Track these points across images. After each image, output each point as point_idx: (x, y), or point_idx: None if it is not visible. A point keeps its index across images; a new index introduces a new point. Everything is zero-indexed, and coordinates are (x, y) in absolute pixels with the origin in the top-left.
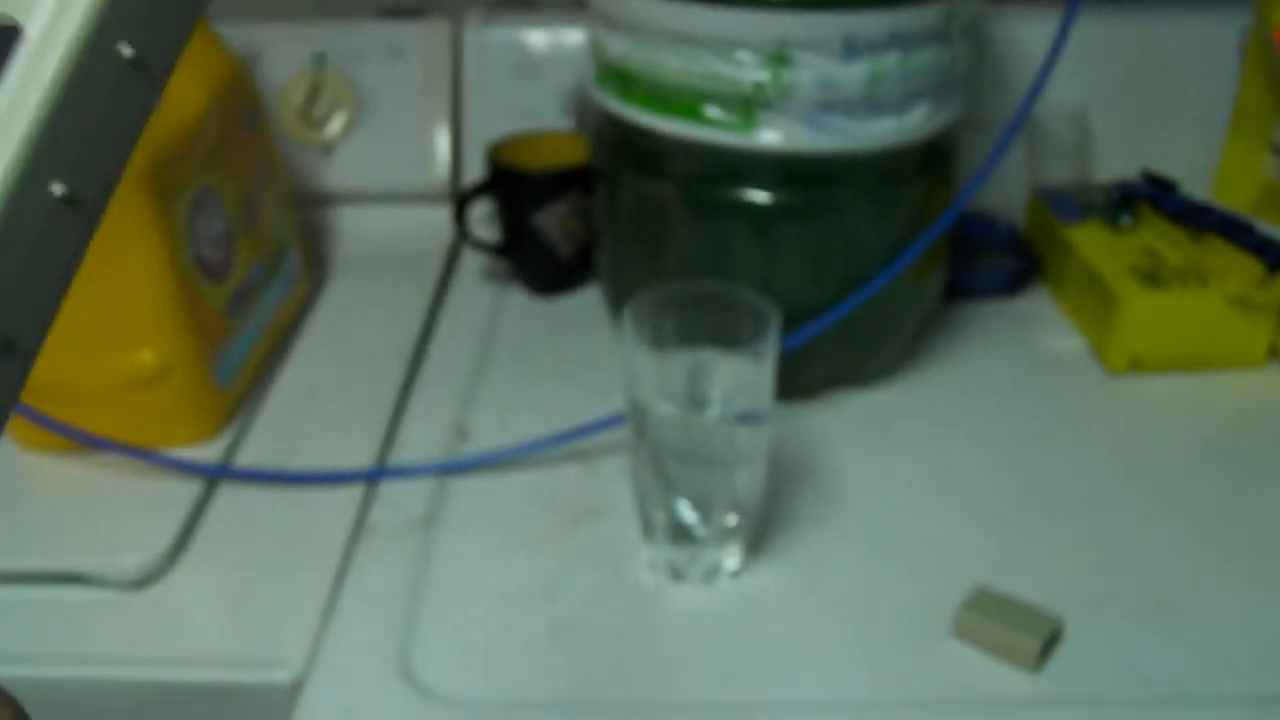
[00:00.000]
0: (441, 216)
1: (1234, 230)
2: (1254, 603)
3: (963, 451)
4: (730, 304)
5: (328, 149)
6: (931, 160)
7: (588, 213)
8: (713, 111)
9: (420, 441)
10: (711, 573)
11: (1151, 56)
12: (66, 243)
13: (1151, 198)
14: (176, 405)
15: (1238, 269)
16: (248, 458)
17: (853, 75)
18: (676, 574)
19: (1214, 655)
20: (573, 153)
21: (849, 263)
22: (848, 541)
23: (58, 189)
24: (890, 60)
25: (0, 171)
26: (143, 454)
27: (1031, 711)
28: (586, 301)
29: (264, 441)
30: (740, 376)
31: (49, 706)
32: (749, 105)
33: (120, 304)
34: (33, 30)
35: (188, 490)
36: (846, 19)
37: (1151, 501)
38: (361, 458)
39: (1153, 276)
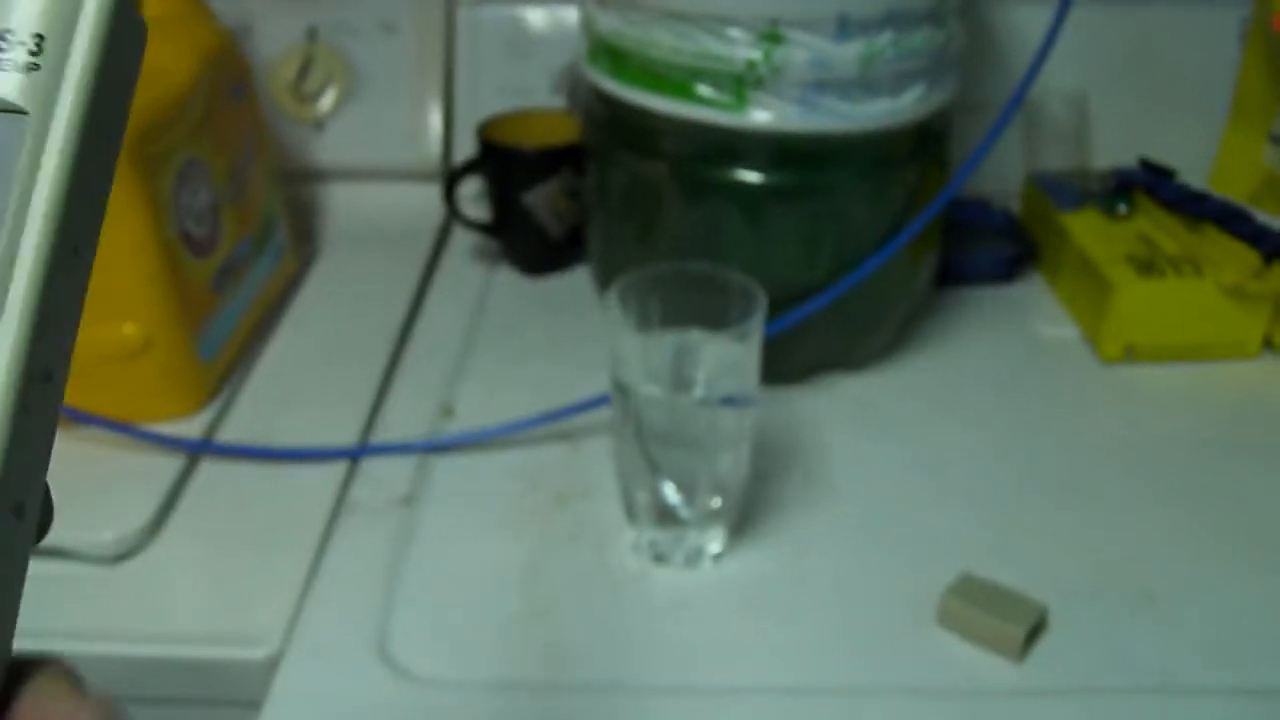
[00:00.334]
0: (432, 194)
1: (1231, 219)
2: (1244, 592)
3: (952, 438)
4: (718, 285)
5: (319, 124)
6: (925, 142)
7: (578, 192)
8: (704, 90)
9: (404, 419)
10: (695, 556)
11: (1151, 42)
12: (50, 406)
13: (1148, 185)
14: (159, 379)
15: (1234, 258)
16: (230, 433)
17: (846, 55)
18: (659, 556)
19: (1203, 645)
20: (564, 131)
21: (841, 245)
22: (833, 526)
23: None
24: (884, 40)
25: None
26: (124, 428)
27: (1015, 701)
28: (576, 281)
29: (247, 417)
30: (726, 358)
31: None
32: (741, 84)
33: (103, 277)
34: None
35: (169, 465)
36: None
37: (1142, 490)
38: (345, 435)
39: (1148, 265)
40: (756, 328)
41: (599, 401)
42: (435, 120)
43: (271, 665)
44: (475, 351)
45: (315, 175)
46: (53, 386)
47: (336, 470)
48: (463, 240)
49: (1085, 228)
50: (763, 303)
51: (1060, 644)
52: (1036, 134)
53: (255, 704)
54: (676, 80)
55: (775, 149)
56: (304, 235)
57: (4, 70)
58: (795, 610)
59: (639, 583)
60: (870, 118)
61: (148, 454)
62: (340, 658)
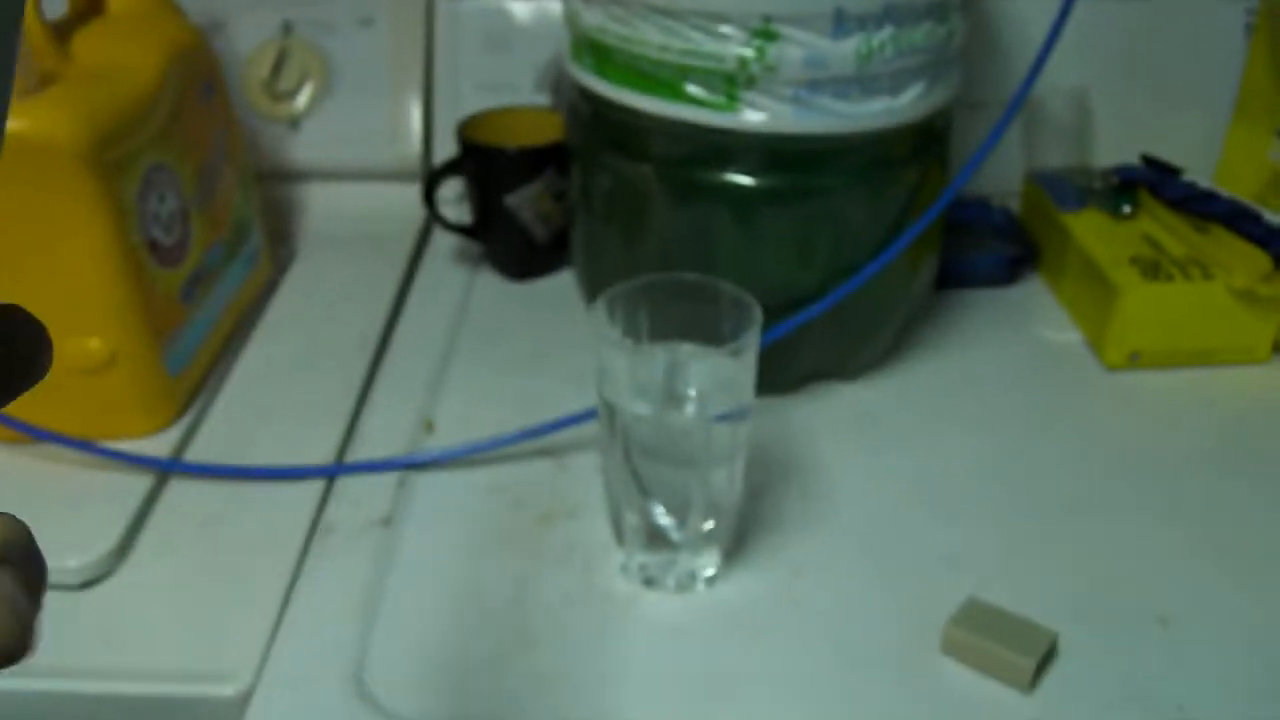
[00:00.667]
0: (412, 194)
1: (1240, 220)
2: (1258, 616)
3: (954, 450)
4: (710, 296)
5: (294, 122)
6: (925, 142)
7: (564, 193)
8: (694, 89)
9: (383, 434)
10: (687, 580)
11: (1153, 36)
12: None
13: (1153, 184)
14: (125, 395)
15: (1243, 260)
16: (201, 450)
17: (843, 52)
18: (650, 580)
19: (1218, 674)
20: (549, 130)
21: (837, 250)
22: (832, 546)
23: None
24: (883, 36)
25: None
26: (89, 446)
27: None
28: (562, 286)
29: (219, 433)
30: (719, 372)
31: None
32: (732, 83)
33: (65, 289)
34: None
35: (137, 484)
36: None
37: (1150, 504)
38: (321, 451)
39: (1154, 267)
40: (752, 343)
41: (585, 416)
42: (415, 118)
43: (242, 701)
44: (457, 361)
45: (291, 175)
46: None
47: (312, 490)
48: (444, 242)
49: (1088, 228)
50: (757, 316)
51: (1071, 674)
52: (1036, 131)
53: None
54: (664, 79)
55: (768, 150)
56: (280, 238)
57: None
58: (792, 638)
59: (629, 608)
60: (868, 117)
61: (114, 473)
62: (314, 693)
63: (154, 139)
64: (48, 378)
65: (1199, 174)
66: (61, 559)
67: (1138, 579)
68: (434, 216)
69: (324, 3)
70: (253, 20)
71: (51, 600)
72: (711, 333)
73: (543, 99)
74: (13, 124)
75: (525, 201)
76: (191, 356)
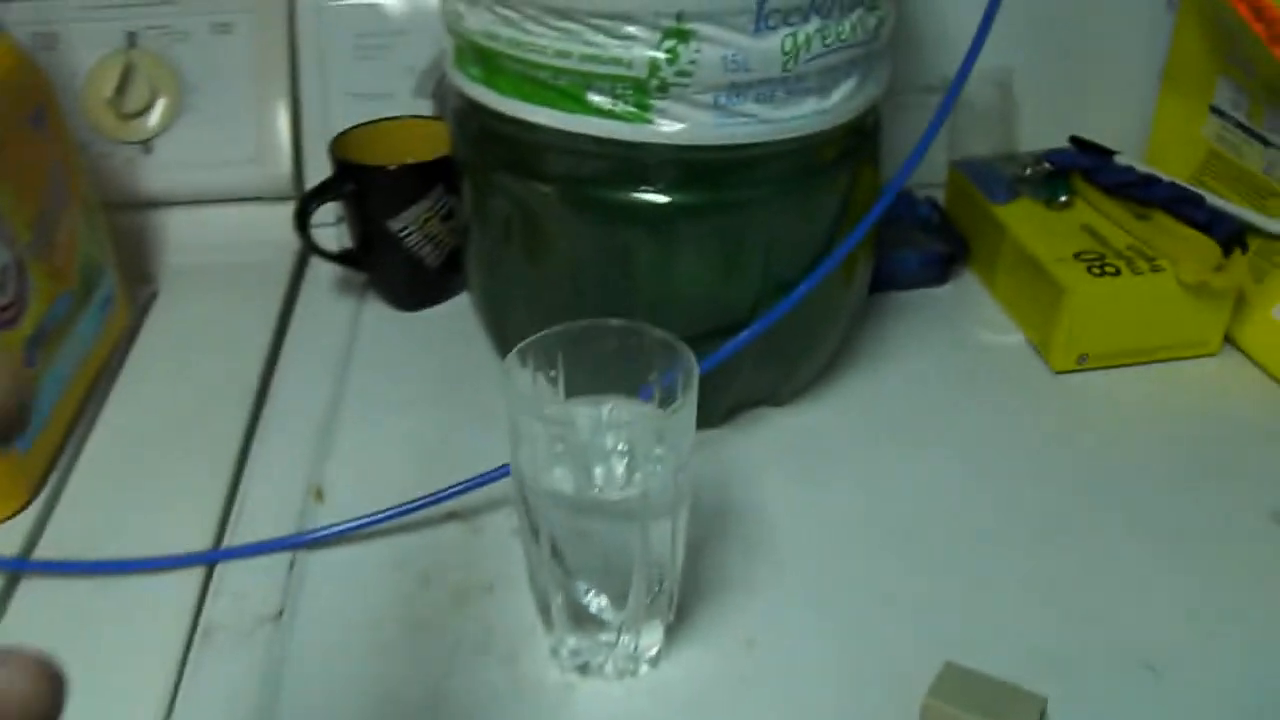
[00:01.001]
0: (285, 216)
1: (1182, 205)
2: (1247, 653)
3: (905, 478)
4: (634, 343)
5: (147, 144)
6: (857, 142)
7: (454, 212)
8: (599, 99)
9: (267, 509)
10: (628, 663)
11: (1073, 11)
12: None
13: (1087, 170)
14: None
15: (1191, 249)
16: (56, 541)
17: (766, 50)
18: (585, 667)
19: None
20: (434, 142)
21: (767, 267)
22: (786, 609)
23: None
24: (810, 30)
25: None
26: None
27: None
28: (458, 312)
29: (77, 518)
30: (649, 425)
31: None
32: (643, 90)
33: None
34: None
35: None
36: None
37: (1118, 524)
38: (197, 533)
39: (1099, 262)
40: (687, 392)
41: (496, 475)
42: (282, 132)
43: None
44: (346, 412)
45: (146, 204)
46: None
47: (189, 581)
48: (324, 269)
49: (1023, 221)
50: (692, 365)
51: None
52: (958, 117)
53: None
54: (564, 88)
55: (685, 163)
56: (138, 277)
57: None
58: None
59: (564, 702)
60: (797, 121)
61: None
62: None
63: None
64: None
65: (1130, 154)
66: None
67: (1118, 616)
68: (310, 247)
69: (172, 8)
70: (91, 32)
71: None
72: (638, 378)
73: (425, 106)
74: None
75: (412, 224)
76: (41, 428)
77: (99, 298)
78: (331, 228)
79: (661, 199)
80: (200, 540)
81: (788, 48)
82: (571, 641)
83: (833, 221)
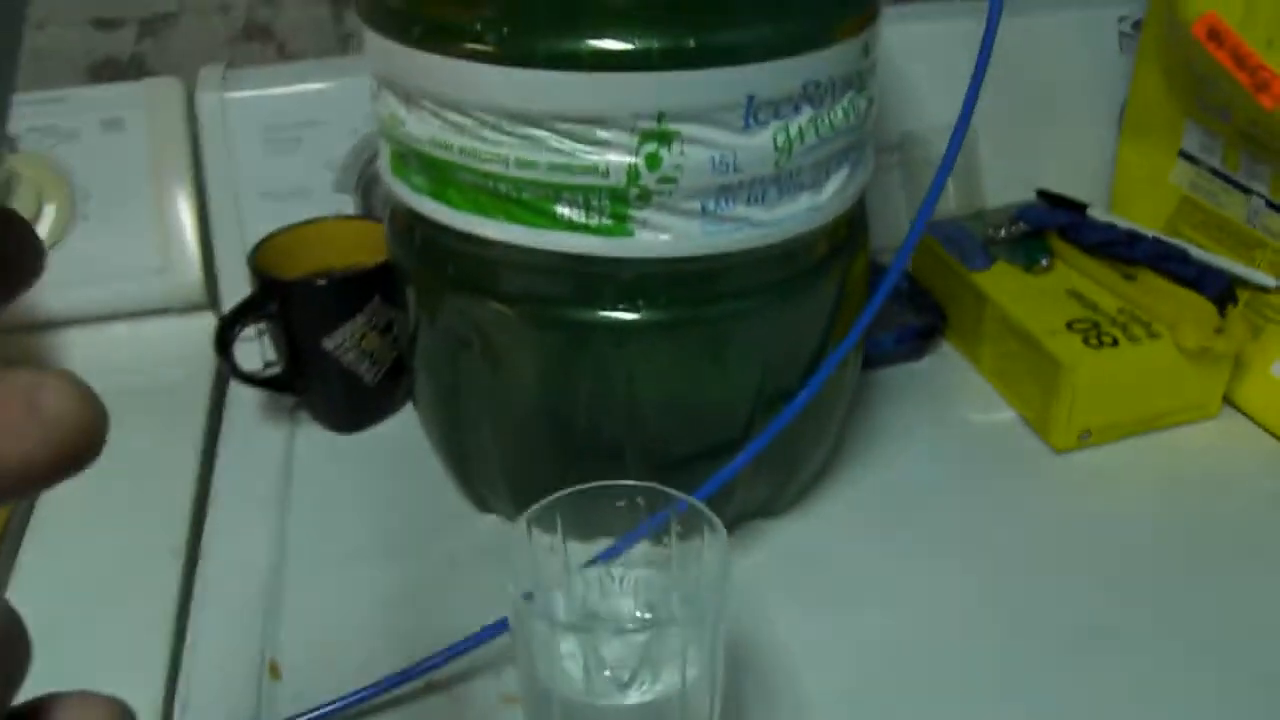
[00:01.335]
0: (199, 329)
1: (1167, 261)
2: None
3: (917, 593)
4: (641, 505)
5: None
6: (848, 233)
7: (393, 322)
8: (568, 211)
9: (216, 694)
10: None
11: (1025, 59)
12: None
13: (1063, 228)
14: None
15: (1184, 309)
16: None
17: (757, 146)
18: None
19: None
20: (363, 246)
21: (763, 378)
22: None
23: None
24: (802, 121)
25: None
26: None
27: None
28: (403, 429)
29: None
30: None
31: None
32: (621, 200)
33: None
34: None
35: None
36: (746, 73)
37: (1147, 622)
38: None
39: (1094, 331)
40: (716, 555)
41: (483, 637)
42: (189, 238)
43: None
44: (291, 565)
45: (40, 325)
46: None
47: None
48: (248, 391)
49: (1004, 289)
50: (713, 524)
51: None
52: (917, 175)
53: None
54: (527, 201)
55: (666, 276)
56: None
57: None
58: None
59: None
60: (791, 221)
61: None
62: None
63: None
64: None
65: (1094, 203)
66: None
67: None
68: (234, 372)
69: (57, 105)
70: None
71: None
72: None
73: (347, 203)
74: None
75: (347, 342)
76: None
77: None
78: (252, 346)
79: (640, 317)
80: None
81: (780, 143)
82: None
83: (828, 319)
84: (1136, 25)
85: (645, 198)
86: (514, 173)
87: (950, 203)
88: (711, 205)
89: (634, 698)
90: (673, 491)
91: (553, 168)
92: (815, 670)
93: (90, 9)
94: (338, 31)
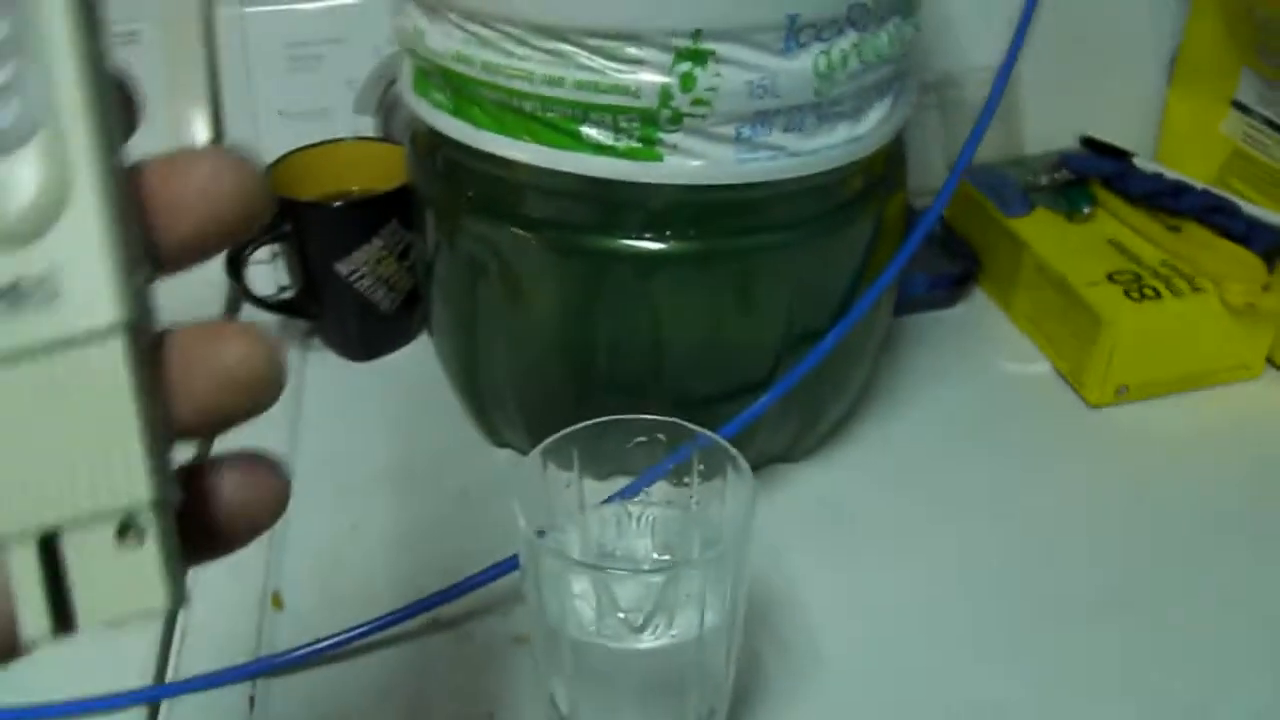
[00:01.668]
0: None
1: (1216, 214)
2: None
3: (942, 547)
4: (661, 441)
5: None
6: (885, 169)
7: (410, 247)
8: (595, 133)
9: (217, 626)
10: None
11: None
12: None
13: (1108, 177)
14: None
15: (1231, 264)
16: None
17: (798, 71)
18: None
19: None
20: (382, 169)
21: (791, 317)
22: None
23: None
24: (845, 45)
25: None
26: None
27: None
28: (419, 358)
29: None
30: (690, 528)
31: None
32: (651, 122)
33: None
34: None
35: None
36: None
37: (1185, 592)
38: (135, 664)
39: (1136, 284)
40: (743, 493)
41: (494, 574)
42: None
43: None
44: (299, 493)
45: None
46: None
47: None
48: (261, 314)
49: (1043, 236)
50: (742, 471)
51: None
52: (956, 117)
53: None
54: (552, 121)
55: (696, 205)
56: None
57: None
58: None
59: None
60: (829, 152)
61: None
62: None
63: None
64: None
65: (1139, 151)
66: None
67: (1212, 710)
68: (246, 295)
69: None
70: None
71: None
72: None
73: (367, 124)
74: None
75: (362, 267)
76: None
77: None
78: (265, 270)
79: (666, 247)
80: (139, 672)
81: (821, 68)
82: None
83: (862, 258)
84: None
85: (677, 120)
86: (539, 90)
87: (989, 147)
88: (746, 132)
89: (647, 642)
90: (695, 428)
91: (580, 85)
92: (834, 628)
93: None
94: None
